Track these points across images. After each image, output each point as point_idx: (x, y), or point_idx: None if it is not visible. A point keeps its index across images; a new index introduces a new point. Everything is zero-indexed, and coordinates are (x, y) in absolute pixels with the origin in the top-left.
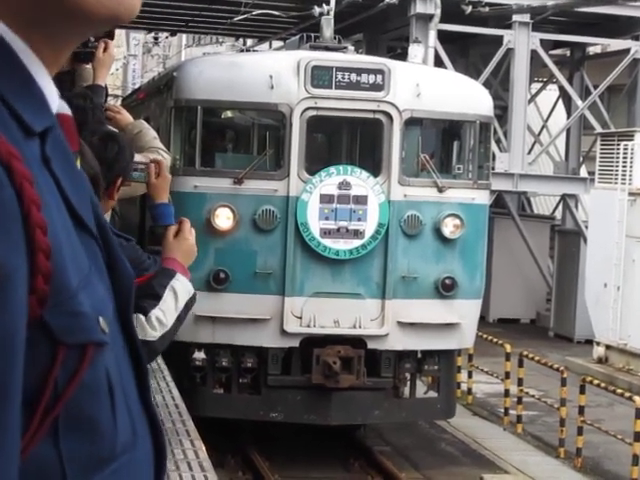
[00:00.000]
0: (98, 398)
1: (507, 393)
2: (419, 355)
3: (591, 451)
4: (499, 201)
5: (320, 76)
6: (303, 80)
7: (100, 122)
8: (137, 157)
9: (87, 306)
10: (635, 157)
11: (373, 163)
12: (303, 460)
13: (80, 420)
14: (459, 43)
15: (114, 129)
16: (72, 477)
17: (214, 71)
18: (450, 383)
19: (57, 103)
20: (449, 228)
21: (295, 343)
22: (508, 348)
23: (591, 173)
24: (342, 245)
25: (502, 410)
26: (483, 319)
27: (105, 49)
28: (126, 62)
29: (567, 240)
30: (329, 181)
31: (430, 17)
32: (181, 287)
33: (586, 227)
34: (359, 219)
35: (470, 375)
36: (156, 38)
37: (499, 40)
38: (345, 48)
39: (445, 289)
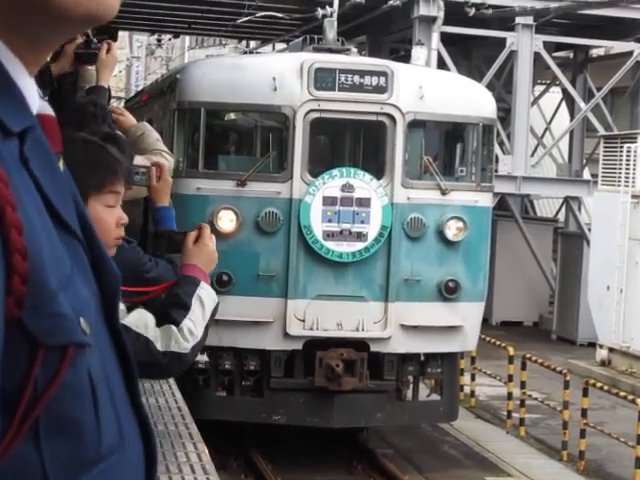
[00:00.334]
0: (80, 399)
1: (510, 396)
2: (422, 358)
3: (594, 454)
4: (502, 203)
5: (323, 78)
6: (306, 82)
7: (110, 126)
8: (139, 160)
9: (67, 307)
10: (638, 159)
11: (376, 165)
12: (306, 463)
13: (62, 421)
14: (462, 45)
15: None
16: (54, 477)
17: (217, 73)
18: (453, 386)
19: (37, 104)
20: (452, 231)
21: (298, 346)
22: (511, 351)
23: (594, 175)
24: (345, 248)
25: (505, 413)
26: (486, 322)
27: (108, 51)
28: (129, 64)
29: (570, 243)
30: (332, 183)
31: (433, 19)
32: (207, 296)
33: (589, 230)
34: (362, 221)
35: (473, 378)
36: (159, 40)
37: (502, 42)
38: (348, 50)
39: (448, 292)
